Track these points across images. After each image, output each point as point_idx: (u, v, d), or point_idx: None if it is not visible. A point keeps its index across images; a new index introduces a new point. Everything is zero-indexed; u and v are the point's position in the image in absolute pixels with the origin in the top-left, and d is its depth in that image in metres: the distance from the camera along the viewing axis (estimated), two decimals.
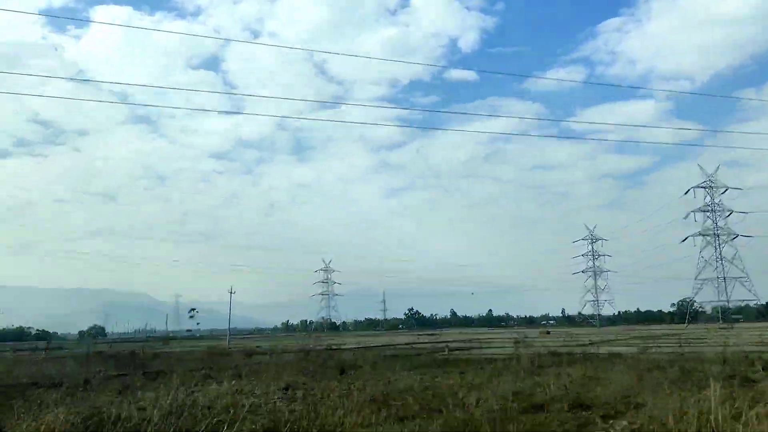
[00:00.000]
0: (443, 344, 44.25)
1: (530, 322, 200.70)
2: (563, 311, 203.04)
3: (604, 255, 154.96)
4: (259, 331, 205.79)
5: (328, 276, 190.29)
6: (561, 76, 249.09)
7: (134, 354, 42.19)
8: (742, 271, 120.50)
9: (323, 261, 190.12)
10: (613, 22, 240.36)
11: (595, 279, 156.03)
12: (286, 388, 17.35)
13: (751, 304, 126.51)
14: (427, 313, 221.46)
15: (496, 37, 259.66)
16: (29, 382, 22.67)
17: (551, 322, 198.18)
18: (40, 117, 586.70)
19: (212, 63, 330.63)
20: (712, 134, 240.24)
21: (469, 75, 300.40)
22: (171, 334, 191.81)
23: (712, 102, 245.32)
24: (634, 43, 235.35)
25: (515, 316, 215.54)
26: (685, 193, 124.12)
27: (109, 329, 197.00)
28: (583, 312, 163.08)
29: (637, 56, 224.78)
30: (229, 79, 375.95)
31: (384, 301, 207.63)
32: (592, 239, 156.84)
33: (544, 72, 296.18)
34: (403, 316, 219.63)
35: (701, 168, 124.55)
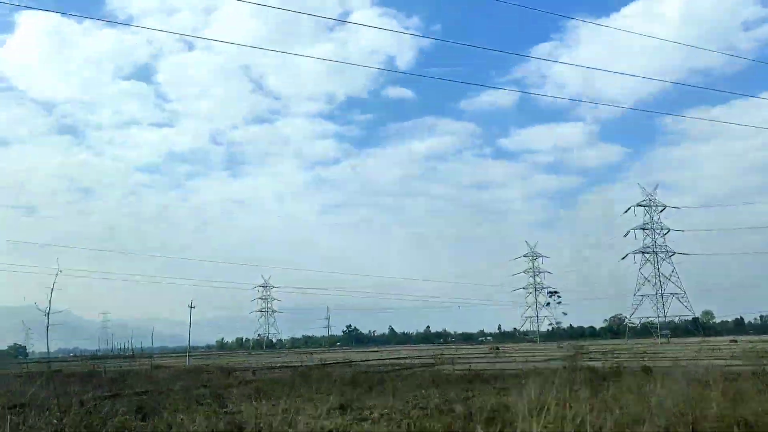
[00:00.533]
0: (430, 357, 43.01)
1: (467, 338, 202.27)
2: (499, 327, 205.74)
3: (544, 272, 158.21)
4: (193, 349, 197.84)
5: (267, 292, 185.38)
6: (495, 98, 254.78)
7: (93, 373, 38.85)
8: (680, 288, 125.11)
9: (262, 277, 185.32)
10: (544, 46, 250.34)
11: (536, 295, 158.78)
12: (342, 407, 15.73)
13: (688, 318, 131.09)
14: (365, 330, 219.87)
15: (433, 57, 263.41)
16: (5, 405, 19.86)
17: (488, 338, 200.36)
18: None
19: (144, 74, 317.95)
20: (635, 158, 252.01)
21: (406, 93, 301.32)
22: (99, 353, 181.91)
23: (635, 126, 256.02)
24: (563, 68, 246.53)
25: (453, 332, 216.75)
26: (625, 211, 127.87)
27: (30, 349, 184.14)
28: (521, 328, 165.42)
29: (566, 80, 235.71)
30: (161, 91, 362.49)
31: (328, 318, 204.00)
32: (533, 256, 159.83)
33: (479, 93, 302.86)
34: (341, 333, 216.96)
35: (641, 186, 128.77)
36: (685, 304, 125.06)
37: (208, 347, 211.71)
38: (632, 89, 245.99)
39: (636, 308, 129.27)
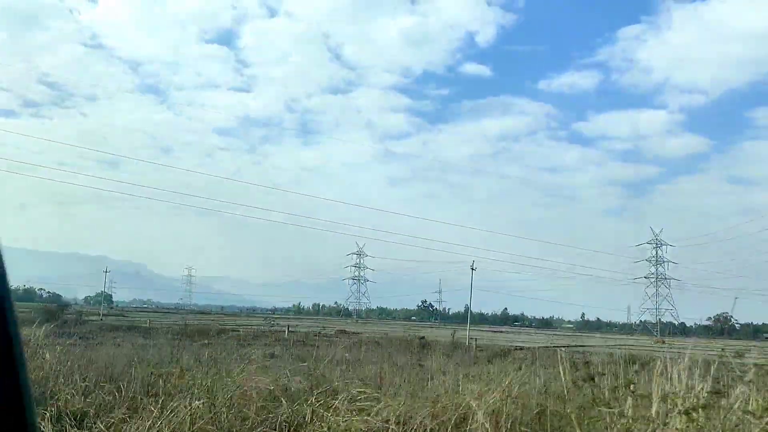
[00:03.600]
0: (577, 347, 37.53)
1: (545, 324, 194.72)
2: (583, 315, 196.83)
3: (668, 261, 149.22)
4: (273, 311, 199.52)
5: (360, 260, 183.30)
6: (575, 79, 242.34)
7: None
8: None
9: (357, 244, 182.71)
10: (632, 29, 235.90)
11: (657, 286, 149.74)
12: None
13: None
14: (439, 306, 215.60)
15: (514, 34, 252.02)
16: None
17: (568, 325, 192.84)
18: (48, 79, 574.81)
19: (226, 38, 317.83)
20: (720, 149, 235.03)
21: (484, 70, 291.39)
22: (182, 307, 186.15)
23: (722, 117, 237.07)
24: (652, 52, 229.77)
25: (530, 317, 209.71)
26: None
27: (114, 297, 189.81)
28: (641, 319, 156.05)
29: (654, 65, 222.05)
30: (241, 56, 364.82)
31: (440, 291, 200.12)
32: (656, 244, 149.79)
33: (558, 74, 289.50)
34: (415, 308, 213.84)
35: None
36: None
37: (288, 310, 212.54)
38: (723, 78, 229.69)
39: None
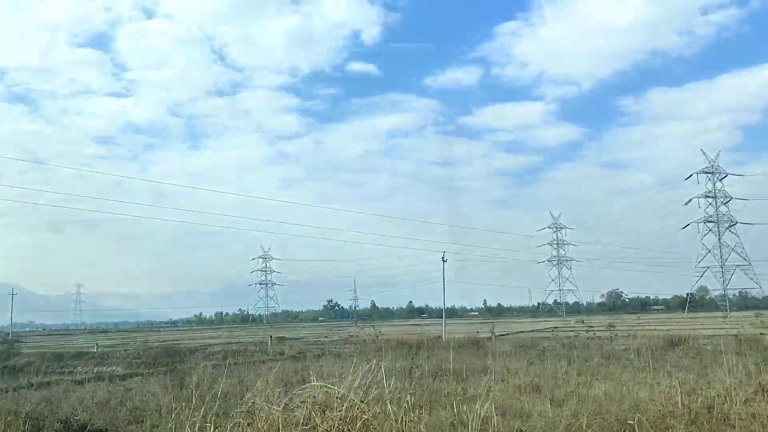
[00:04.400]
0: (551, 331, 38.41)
1: (451, 314, 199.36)
2: (485, 302, 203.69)
3: (568, 244, 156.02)
4: (173, 324, 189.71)
5: (266, 264, 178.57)
6: (459, 75, 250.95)
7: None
8: (745, 259, 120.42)
9: (262, 248, 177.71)
10: (509, 25, 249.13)
11: (559, 269, 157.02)
12: None
13: (753, 292, 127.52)
14: (346, 305, 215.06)
15: (398, 32, 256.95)
16: None
17: (473, 312, 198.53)
18: None
19: (101, 41, 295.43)
20: (593, 137, 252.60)
21: (371, 68, 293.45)
22: (73, 327, 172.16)
23: (594, 106, 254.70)
24: (527, 47, 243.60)
25: (434, 308, 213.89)
26: (687, 178, 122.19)
27: None
28: (545, 301, 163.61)
29: (529, 60, 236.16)
30: (119, 60, 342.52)
31: (355, 290, 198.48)
32: (556, 227, 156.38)
33: (443, 70, 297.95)
34: (321, 308, 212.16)
35: (703, 153, 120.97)
36: (751, 276, 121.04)
37: (189, 322, 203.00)
38: (593, 69, 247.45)
39: (697, 280, 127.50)
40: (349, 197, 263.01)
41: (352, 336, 56.14)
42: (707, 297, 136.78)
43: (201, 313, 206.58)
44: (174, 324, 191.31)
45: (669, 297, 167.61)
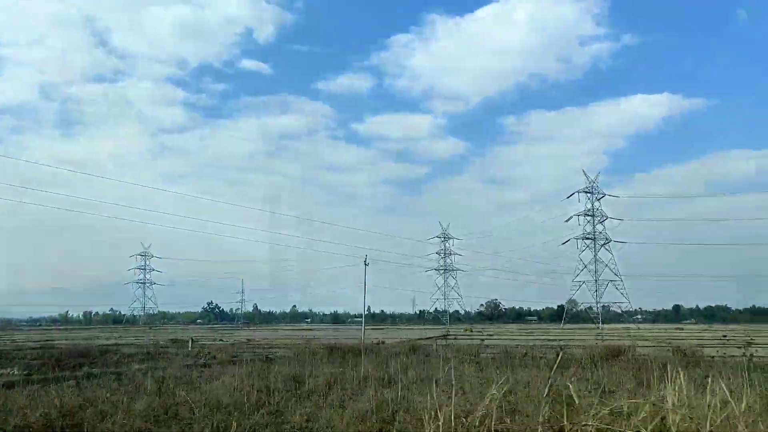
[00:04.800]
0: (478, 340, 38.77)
1: (335, 319, 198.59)
2: (369, 308, 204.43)
3: (454, 254, 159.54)
4: (34, 323, 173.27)
5: (146, 262, 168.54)
6: (351, 82, 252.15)
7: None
8: (616, 275, 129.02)
9: (142, 245, 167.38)
10: (403, 37, 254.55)
11: (445, 277, 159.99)
12: None
13: (623, 306, 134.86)
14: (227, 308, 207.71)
15: (293, 33, 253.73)
16: None
17: (355, 319, 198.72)
18: None
19: None
20: (478, 152, 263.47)
21: (263, 67, 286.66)
22: None
23: (479, 123, 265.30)
24: (420, 60, 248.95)
25: (318, 313, 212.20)
26: (569, 197, 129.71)
27: None
28: (431, 309, 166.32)
29: (421, 72, 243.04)
30: None
31: (242, 292, 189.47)
32: (444, 237, 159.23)
33: (336, 75, 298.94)
34: (201, 310, 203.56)
35: (585, 174, 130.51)
36: (621, 290, 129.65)
37: (54, 320, 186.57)
38: (480, 87, 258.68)
39: (574, 293, 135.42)
40: (235, 196, 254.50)
41: (251, 340, 54.23)
42: (575, 309, 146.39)
43: (68, 312, 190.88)
44: (36, 323, 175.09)
45: (540, 309, 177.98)
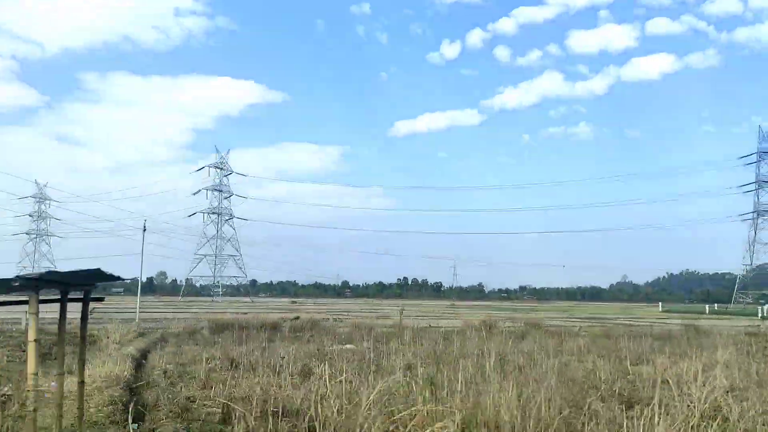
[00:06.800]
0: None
1: None
2: None
3: (51, 217, 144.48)
4: None
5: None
6: None
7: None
8: (237, 250, 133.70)
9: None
10: None
11: (36, 244, 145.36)
12: None
13: (241, 281, 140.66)
14: None
15: None
16: None
17: None
18: None
19: None
20: (50, 105, 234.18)
21: None
22: None
23: (57, 74, 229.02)
24: None
25: None
26: (199, 169, 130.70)
27: None
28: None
29: None
30: None
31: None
32: (41, 199, 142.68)
33: None
34: None
35: (218, 151, 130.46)
36: (240, 266, 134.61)
37: None
38: (63, 36, 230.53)
39: (194, 267, 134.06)
40: None
41: None
42: (197, 284, 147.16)
43: None
44: None
45: (128, 280, 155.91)
